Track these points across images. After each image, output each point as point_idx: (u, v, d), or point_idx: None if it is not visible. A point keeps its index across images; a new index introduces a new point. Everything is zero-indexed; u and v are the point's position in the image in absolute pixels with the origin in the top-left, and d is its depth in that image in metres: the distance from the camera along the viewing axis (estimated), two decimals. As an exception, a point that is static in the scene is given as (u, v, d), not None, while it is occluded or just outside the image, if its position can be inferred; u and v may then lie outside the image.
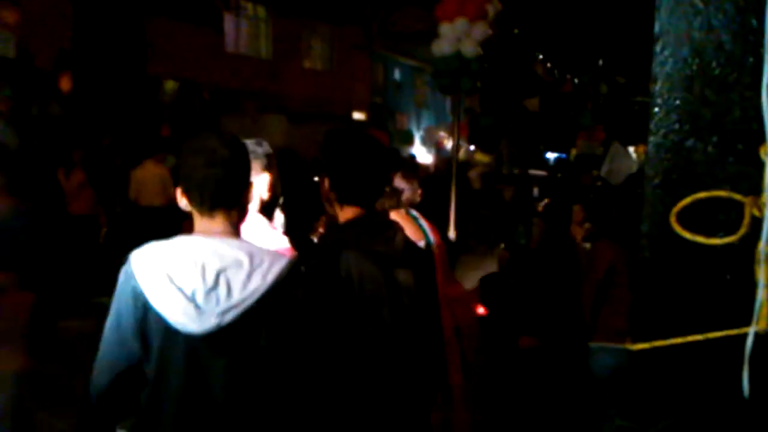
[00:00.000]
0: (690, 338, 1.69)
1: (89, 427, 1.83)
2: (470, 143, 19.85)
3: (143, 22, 13.72)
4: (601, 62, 15.22)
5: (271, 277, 1.73)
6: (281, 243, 2.63)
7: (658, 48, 1.77)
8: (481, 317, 4.26)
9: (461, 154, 17.17)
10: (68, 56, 12.41)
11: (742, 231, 1.57)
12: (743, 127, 1.61)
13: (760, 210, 1.59)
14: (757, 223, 1.59)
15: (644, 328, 1.76)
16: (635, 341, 1.76)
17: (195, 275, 1.69)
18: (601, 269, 4.05)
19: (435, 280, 3.31)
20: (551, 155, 23.70)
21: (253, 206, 2.60)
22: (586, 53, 15.09)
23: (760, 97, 1.56)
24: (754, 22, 1.60)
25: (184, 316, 1.67)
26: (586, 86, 16.08)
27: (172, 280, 1.69)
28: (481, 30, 7.59)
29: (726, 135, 1.67)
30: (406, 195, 3.52)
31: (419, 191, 3.69)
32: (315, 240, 3.64)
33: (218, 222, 1.79)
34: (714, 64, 1.69)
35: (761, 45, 1.54)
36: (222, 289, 1.69)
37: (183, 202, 1.82)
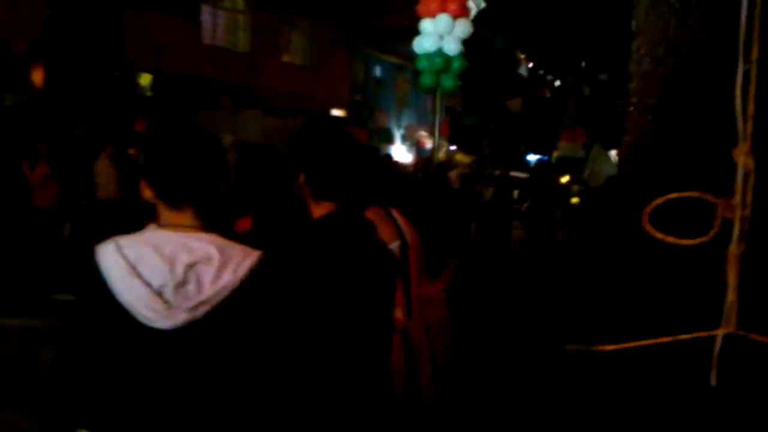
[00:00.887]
0: (659, 340, 1.71)
1: (52, 423, 1.80)
2: (451, 143, 19.93)
3: (119, 12, 13.61)
4: (584, 64, 15.35)
5: (241, 272, 1.71)
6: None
7: (634, 46, 1.79)
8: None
9: (441, 153, 17.22)
10: (40, 47, 12.28)
11: (713, 232, 1.59)
12: (718, 128, 1.64)
13: (732, 212, 1.62)
14: (728, 225, 1.61)
15: (615, 329, 1.78)
16: (605, 342, 1.78)
17: (164, 270, 1.67)
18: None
19: (406, 281, 3.33)
20: (532, 157, 23.87)
21: None
22: (568, 54, 15.20)
23: (734, 98, 1.58)
24: (730, 22, 1.62)
25: (152, 312, 1.64)
26: (569, 88, 16.20)
27: (139, 275, 1.66)
28: (463, 27, 7.62)
29: (700, 136, 1.69)
30: None
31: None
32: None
33: (187, 216, 1.76)
34: (690, 64, 1.71)
35: (736, 46, 1.56)
36: (192, 284, 1.67)
37: (147, 194, 1.78)
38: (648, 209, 1.64)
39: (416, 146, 23.56)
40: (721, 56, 1.61)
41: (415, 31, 7.86)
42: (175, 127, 1.81)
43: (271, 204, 3.67)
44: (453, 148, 21.29)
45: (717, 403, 1.60)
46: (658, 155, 1.68)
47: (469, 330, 4.60)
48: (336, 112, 21.32)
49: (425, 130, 22.77)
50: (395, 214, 3.58)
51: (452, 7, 7.55)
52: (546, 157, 21.25)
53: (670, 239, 1.58)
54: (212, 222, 1.84)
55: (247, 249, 1.80)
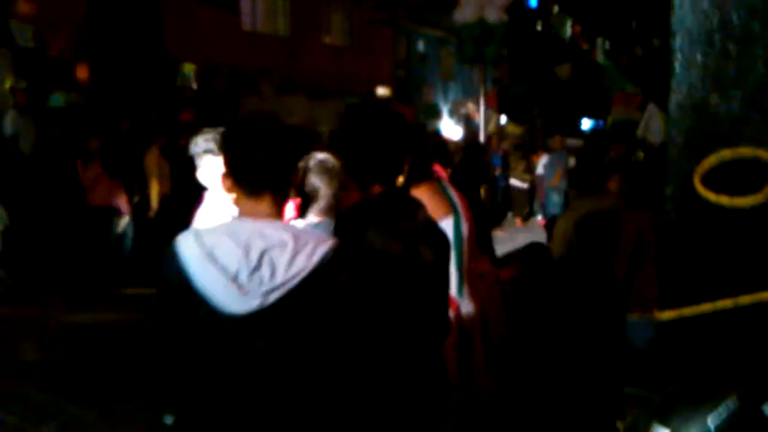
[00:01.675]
0: (719, 304, 1.68)
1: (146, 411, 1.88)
2: (500, 114, 19.70)
3: (158, 3, 13.81)
4: (634, 24, 14.97)
5: (315, 258, 1.77)
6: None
7: (677, 2, 1.75)
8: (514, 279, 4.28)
9: (491, 126, 17.05)
10: (84, 45, 12.55)
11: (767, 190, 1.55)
12: (766, 82, 1.59)
13: (788, 167, 1.57)
14: (784, 180, 1.57)
15: (672, 295, 1.75)
16: (663, 309, 1.76)
17: (239, 256, 1.74)
18: (629, 240, 4.03)
19: (459, 257, 3.32)
20: (587, 123, 23.42)
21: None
22: (618, 14, 14.83)
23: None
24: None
25: (227, 297, 1.72)
26: (620, 49, 15.84)
27: (215, 261, 1.73)
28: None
29: (750, 91, 1.65)
30: (322, 199, 2.50)
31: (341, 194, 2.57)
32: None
33: (264, 205, 1.84)
34: (735, 16, 1.67)
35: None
36: (266, 269, 1.74)
37: (227, 184, 1.87)
38: (700, 170, 1.61)
39: (464, 120, 23.37)
40: (766, 6, 1.56)
41: (456, 2, 7.79)
42: (253, 118, 1.92)
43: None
44: (503, 120, 21.05)
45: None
46: (707, 114, 1.65)
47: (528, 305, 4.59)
48: (381, 91, 21.30)
49: (473, 104, 22.57)
50: (449, 187, 3.57)
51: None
52: (602, 123, 20.84)
53: (724, 199, 1.55)
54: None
55: (322, 236, 1.88)
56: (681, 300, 1.70)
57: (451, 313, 3.12)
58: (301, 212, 2.69)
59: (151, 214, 9.23)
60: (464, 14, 7.45)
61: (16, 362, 5.91)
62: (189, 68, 15.40)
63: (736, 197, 1.60)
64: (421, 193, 3.32)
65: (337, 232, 2.16)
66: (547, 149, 15.49)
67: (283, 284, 1.73)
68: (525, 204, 15.52)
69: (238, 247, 1.75)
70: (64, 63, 12.28)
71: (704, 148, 1.66)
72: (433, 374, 2.22)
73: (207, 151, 3.43)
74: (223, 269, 1.73)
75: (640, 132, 9.74)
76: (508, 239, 10.10)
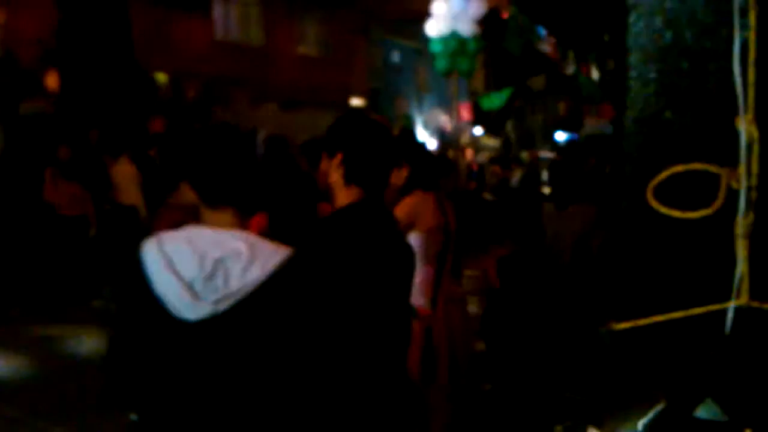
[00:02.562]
0: (672, 315, 1.73)
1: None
2: (475, 125, 19.86)
3: (128, 11, 13.74)
4: (606, 38, 15.20)
5: (269, 267, 1.79)
6: None
7: (631, 19, 1.81)
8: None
9: (465, 138, 17.18)
10: (53, 52, 12.46)
11: (718, 203, 1.61)
12: (718, 97, 1.65)
13: (738, 181, 1.63)
14: (734, 195, 1.62)
15: (626, 306, 1.81)
16: (617, 320, 1.80)
17: (194, 263, 1.77)
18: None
19: (440, 271, 3.39)
20: (562, 136, 23.67)
21: None
22: (590, 27, 15.05)
23: (733, 66, 1.59)
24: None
25: (181, 303, 1.75)
26: (593, 62, 16.09)
27: (173, 268, 1.77)
28: (477, 7, 7.61)
29: (702, 106, 1.71)
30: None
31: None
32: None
33: (227, 216, 1.87)
34: (688, 34, 1.73)
35: (732, 14, 1.57)
36: (219, 277, 1.77)
37: (189, 195, 1.91)
38: (652, 184, 1.66)
39: (438, 132, 23.51)
40: (719, 26, 1.62)
41: (430, 14, 7.87)
42: (214, 129, 1.94)
43: (286, 200, 3.73)
44: (478, 132, 21.22)
45: (730, 374, 1.62)
46: (660, 129, 1.70)
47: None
48: (355, 101, 21.35)
49: (447, 115, 22.72)
50: (443, 199, 3.60)
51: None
52: (576, 136, 21.07)
53: (675, 213, 1.60)
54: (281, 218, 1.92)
55: (278, 246, 1.89)
56: (634, 311, 1.75)
57: (419, 327, 3.15)
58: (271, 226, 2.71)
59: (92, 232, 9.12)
60: (437, 27, 7.54)
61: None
62: (161, 77, 15.34)
63: (688, 211, 1.66)
64: (416, 202, 3.37)
65: (313, 246, 2.18)
66: (519, 162, 15.63)
67: (235, 292, 1.76)
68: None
69: (194, 254, 1.78)
70: (33, 72, 12.19)
71: (658, 163, 1.71)
72: (394, 384, 2.24)
73: None
74: (179, 276, 1.76)
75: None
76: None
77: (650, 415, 1.46)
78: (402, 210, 3.28)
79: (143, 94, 14.10)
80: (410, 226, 3.29)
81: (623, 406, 1.53)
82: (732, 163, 1.63)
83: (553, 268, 4.87)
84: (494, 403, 4.35)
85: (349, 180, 2.21)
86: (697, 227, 1.66)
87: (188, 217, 2.12)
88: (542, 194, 10.97)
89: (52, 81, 12.70)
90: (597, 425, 1.50)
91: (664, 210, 1.63)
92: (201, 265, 1.77)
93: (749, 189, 1.59)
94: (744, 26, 1.52)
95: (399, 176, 3.35)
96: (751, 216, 1.62)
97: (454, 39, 7.57)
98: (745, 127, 1.58)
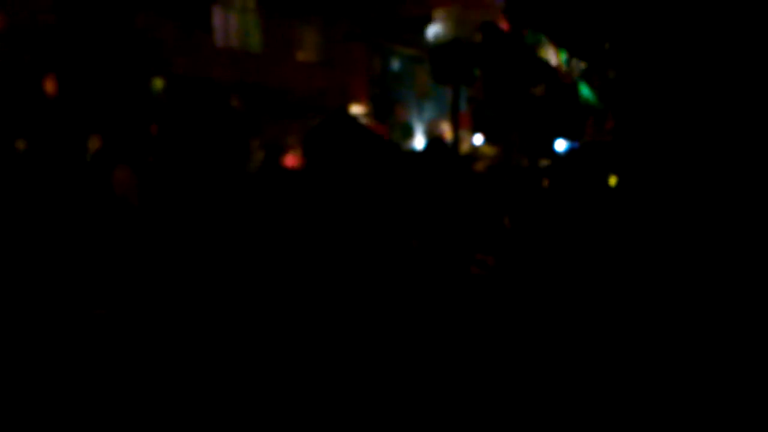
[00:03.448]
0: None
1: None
2: (475, 133, 19.91)
3: (131, 18, 13.85)
4: (607, 45, 15.27)
5: None
6: None
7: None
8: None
9: (465, 146, 17.23)
10: (52, 57, 12.55)
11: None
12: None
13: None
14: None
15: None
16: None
17: None
18: None
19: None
20: (562, 144, 23.70)
21: None
22: (591, 35, 15.13)
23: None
24: None
25: None
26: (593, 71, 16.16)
27: None
28: (478, 14, 7.69)
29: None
30: None
31: None
32: None
33: None
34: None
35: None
36: None
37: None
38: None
39: (435, 139, 23.55)
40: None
41: (432, 21, 7.94)
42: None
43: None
44: (478, 140, 21.25)
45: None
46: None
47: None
48: (355, 109, 21.45)
49: (447, 123, 22.79)
50: None
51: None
52: (576, 144, 21.10)
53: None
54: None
55: None
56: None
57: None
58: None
59: None
60: (436, 33, 7.61)
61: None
62: (158, 83, 15.43)
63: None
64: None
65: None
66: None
67: None
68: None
69: None
70: (31, 76, 12.27)
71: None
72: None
73: None
74: None
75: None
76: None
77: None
78: None
79: (141, 100, 14.20)
80: None
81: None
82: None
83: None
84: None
85: None
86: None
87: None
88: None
89: (50, 86, 12.79)
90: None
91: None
92: None
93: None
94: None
95: None
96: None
97: (454, 46, 7.64)
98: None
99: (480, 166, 17.68)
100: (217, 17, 17.39)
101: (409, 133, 23.33)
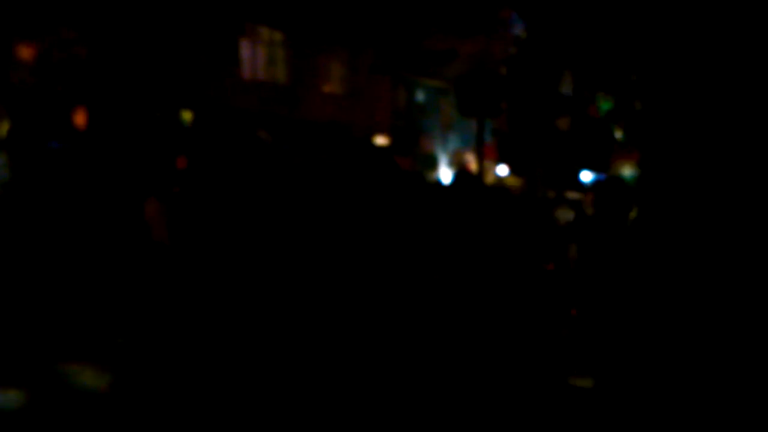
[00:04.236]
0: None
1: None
2: (499, 164, 20.00)
3: (162, 52, 14.16)
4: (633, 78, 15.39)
5: None
6: None
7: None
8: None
9: (489, 177, 17.32)
10: (83, 89, 12.87)
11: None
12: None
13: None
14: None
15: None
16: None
17: None
18: None
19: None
20: (588, 176, 23.71)
21: None
22: (617, 69, 15.24)
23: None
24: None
25: None
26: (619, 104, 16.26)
27: None
28: (503, 49, 7.81)
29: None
30: None
31: None
32: None
33: None
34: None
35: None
36: None
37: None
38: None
39: (462, 171, 23.65)
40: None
41: (456, 54, 8.07)
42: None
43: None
44: (503, 172, 21.32)
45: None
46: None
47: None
48: (379, 140, 21.64)
49: (472, 154, 22.89)
50: None
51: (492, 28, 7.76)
52: (603, 176, 21.08)
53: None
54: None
55: None
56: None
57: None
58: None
59: None
60: (462, 67, 7.74)
61: None
62: (187, 115, 15.72)
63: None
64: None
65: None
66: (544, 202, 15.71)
67: None
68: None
69: None
70: (61, 107, 12.57)
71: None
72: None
73: None
74: None
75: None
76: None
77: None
78: None
79: (170, 132, 14.47)
80: None
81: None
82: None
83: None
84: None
85: None
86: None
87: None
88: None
89: (80, 118, 13.08)
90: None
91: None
92: None
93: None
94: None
95: None
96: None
97: (479, 79, 7.75)
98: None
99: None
100: (245, 50, 17.72)
101: (433, 164, 23.46)
